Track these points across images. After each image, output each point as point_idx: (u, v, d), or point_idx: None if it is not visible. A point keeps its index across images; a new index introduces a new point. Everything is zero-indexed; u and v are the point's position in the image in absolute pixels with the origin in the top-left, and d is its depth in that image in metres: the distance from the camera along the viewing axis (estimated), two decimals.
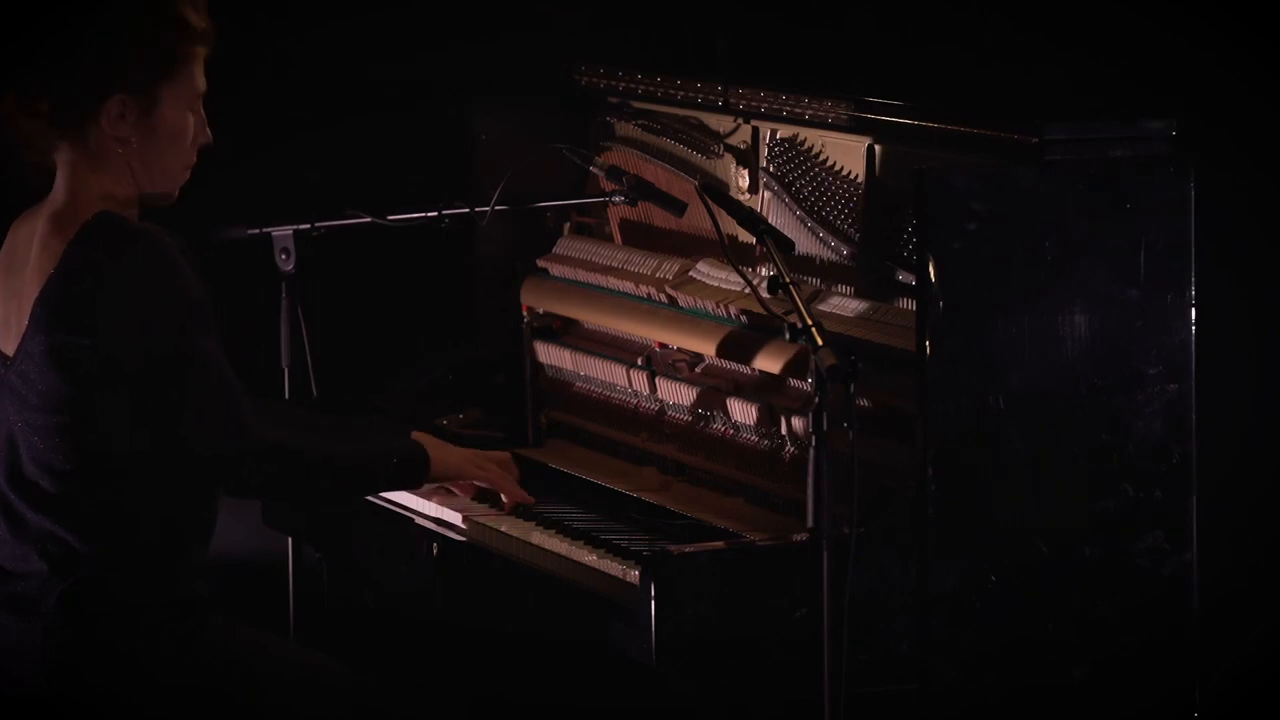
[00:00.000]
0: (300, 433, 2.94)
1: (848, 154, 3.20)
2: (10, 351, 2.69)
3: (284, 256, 3.45)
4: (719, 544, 2.85)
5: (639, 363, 3.39)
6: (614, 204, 3.53)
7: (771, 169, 3.32)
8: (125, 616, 2.68)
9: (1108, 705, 2.87)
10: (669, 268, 3.38)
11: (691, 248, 3.43)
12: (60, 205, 2.72)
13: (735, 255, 3.15)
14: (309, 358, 3.48)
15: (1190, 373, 2.87)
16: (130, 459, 2.65)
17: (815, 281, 3.21)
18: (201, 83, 2.77)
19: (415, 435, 3.06)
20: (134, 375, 2.62)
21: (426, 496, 3.17)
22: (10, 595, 2.71)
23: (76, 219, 2.67)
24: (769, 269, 3.07)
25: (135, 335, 2.62)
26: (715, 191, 3.20)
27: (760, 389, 3.19)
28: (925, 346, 2.73)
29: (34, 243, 2.71)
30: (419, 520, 3.21)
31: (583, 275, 3.54)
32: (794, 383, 3.11)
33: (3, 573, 2.73)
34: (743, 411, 3.16)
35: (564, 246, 3.63)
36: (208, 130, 2.79)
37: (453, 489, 3.17)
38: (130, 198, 2.73)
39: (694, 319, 3.31)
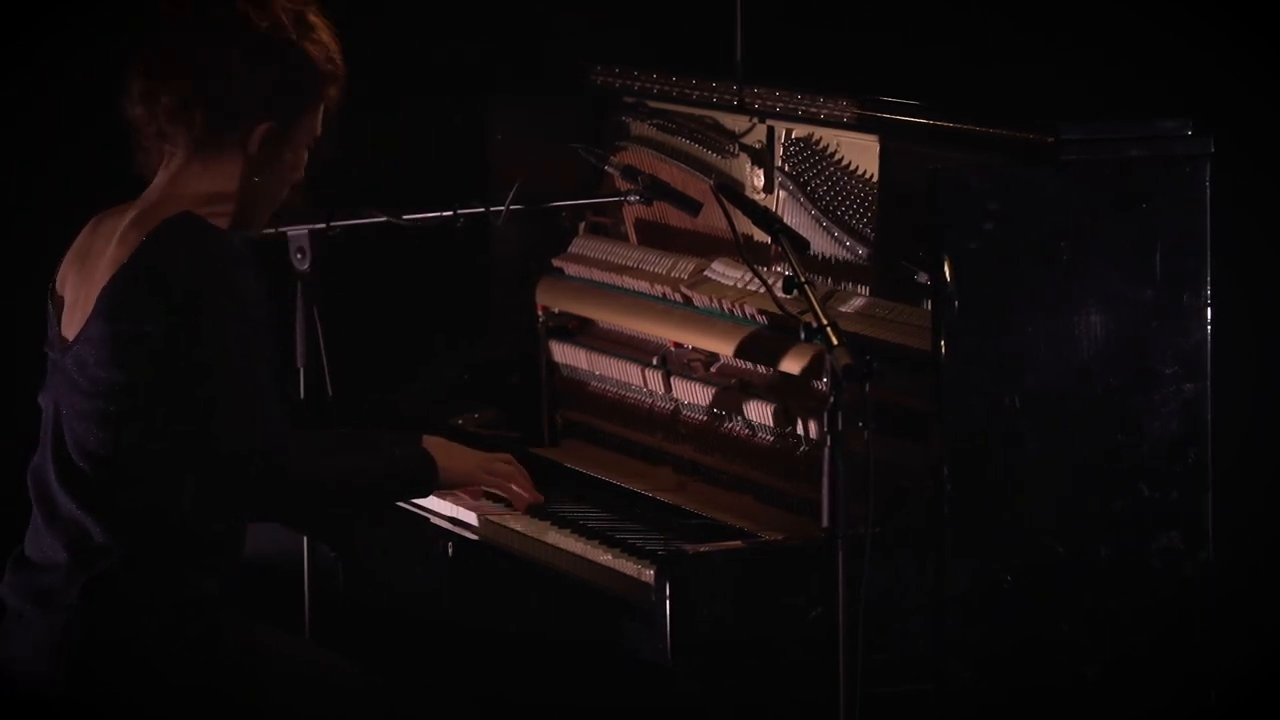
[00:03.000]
0: (314, 459, 2.93)
1: (863, 153, 3.20)
2: (71, 336, 2.71)
3: (299, 256, 3.45)
4: (734, 544, 2.85)
5: (654, 362, 3.39)
6: (629, 203, 3.53)
7: (786, 168, 3.32)
8: (143, 614, 2.70)
9: (1122, 705, 2.87)
10: (684, 267, 3.38)
11: (707, 247, 3.43)
12: (150, 205, 2.75)
13: (750, 255, 3.15)
14: (324, 357, 3.48)
15: (1206, 373, 2.86)
16: (162, 456, 2.66)
17: (830, 281, 3.20)
18: (319, 126, 2.83)
19: (426, 440, 3.04)
20: (179, 373, 2.64)
21: (441, 496, 3.17)
22: (34, 587, 2.73)
23: (160, 217, 2.70)
24: (784, 268, 3.07)
25: (189, 334, 2.64)
26: (730, 191, 3.19)
27: (775, 389, 3.19)
28: (940, 346, 2.73)
29: (114, 235, 2.73)
30: (434, 520, 3.21)
31: (598, 275, 3.54)
32: (809, 382, 3.11)
33: (30, 565, 2.75)
34: (758, 411, 3.16)
35: (579, 246, 3.63)
36: (303, 170, 2.85)
37: (461, 493, 3.17)
38: (225, 215, 2.76)
39: (709, 319, 3.31)
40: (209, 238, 2.70)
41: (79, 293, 2.75)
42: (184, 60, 2.75)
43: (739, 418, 3.23)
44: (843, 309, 3.07)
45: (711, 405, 3.28)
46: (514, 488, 3.10)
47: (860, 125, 3.16)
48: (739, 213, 3.13)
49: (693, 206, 3.36)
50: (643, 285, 3.44)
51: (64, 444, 2.72)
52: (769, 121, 3.36)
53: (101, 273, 2.70)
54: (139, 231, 2.69)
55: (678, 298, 3.37)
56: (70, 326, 2.74)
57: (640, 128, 3.63)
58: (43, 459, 2.75)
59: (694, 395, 3.31)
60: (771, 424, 3.14)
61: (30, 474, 2.78)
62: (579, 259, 3.60)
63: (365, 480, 2.90)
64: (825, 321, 2.74)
